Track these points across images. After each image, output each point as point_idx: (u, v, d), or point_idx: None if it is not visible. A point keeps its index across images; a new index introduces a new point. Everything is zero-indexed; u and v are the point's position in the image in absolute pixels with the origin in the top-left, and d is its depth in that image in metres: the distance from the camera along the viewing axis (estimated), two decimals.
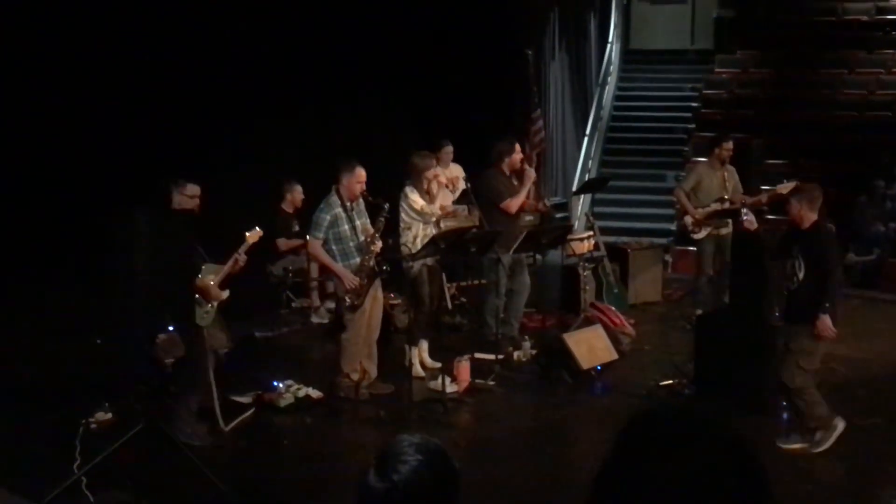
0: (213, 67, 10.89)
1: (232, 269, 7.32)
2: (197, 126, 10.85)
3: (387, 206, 8.13)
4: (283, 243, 10.90)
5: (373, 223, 8.12)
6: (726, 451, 1.57)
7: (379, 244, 8.10)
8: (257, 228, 7.51)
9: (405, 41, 12.47)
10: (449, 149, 10.40)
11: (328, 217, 7.98)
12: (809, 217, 7.03)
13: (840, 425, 7.09)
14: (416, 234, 8.67)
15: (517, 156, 9.53)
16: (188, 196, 7.26)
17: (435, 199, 8.83)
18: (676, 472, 1.53)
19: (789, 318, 7.31)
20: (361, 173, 8.03)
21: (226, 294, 7.38)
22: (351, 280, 7.95)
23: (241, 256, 7.33)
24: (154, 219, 6.48)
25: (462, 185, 9.79)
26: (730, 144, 10.44)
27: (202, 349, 7.19)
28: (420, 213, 8.68)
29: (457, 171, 10.20)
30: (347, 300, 8.00)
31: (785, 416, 7.56)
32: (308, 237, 8.30)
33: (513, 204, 9.30)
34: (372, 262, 8.04)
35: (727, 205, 10.23)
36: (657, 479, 1.54)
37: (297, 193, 11.00)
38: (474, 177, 9.77)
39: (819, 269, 6.97)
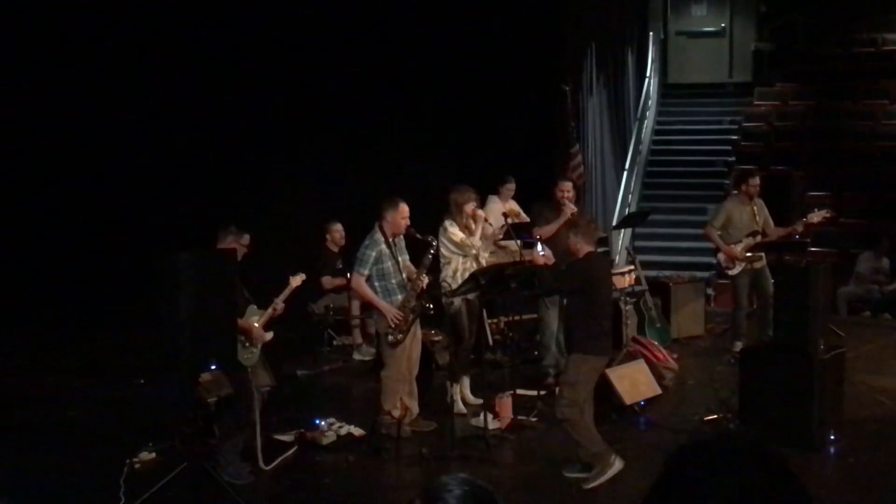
0: (256, 109, 11.04)
1: (272, 314, 7.44)
2: (242, 167, 11.00)
3: (435, 242, 8.14)
4: (327, 281, 10.95)
5: (420, 260, 8.13)
6: (767, 470, 1.56)
7: (426, 280, 8.08)
8: (301, 274, 7.61)
9: (444, 79, 12.57)
10: (511, 185, 10.46)
11: (373, 253, 7.97)
12: (583, 249, 7.17)
13: (616, 465, 6.97)
14: (455, 269, 8.65)
15: (560, 192, 9.52)
16: (243, 245, 7.38)
17: (474, 233, 8.80)
18: (721, 498, 1.53)
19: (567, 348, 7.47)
20: (405, 209, 8.02)
21: (269, 335, 7.46)
22: (395, 315, 7.93)
23: (279, 305, 7.45)
24: (197, 260, 6.54)
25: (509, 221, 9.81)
26: (756, 180, 10.41)
27: (248, 389, 7.22)
28: (460, 245, 8.67)
29: (516, 207, 10.25)
30: (390, 337, 7.99)
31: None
32: (352, 273, 8.30)
33: (541, 232, 9.24)
34: (414, 302, 8.02)
35: (759, 238, 10.21)
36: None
37: (335, 232, 11.05)
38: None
39: (576, 297, 7.19)
